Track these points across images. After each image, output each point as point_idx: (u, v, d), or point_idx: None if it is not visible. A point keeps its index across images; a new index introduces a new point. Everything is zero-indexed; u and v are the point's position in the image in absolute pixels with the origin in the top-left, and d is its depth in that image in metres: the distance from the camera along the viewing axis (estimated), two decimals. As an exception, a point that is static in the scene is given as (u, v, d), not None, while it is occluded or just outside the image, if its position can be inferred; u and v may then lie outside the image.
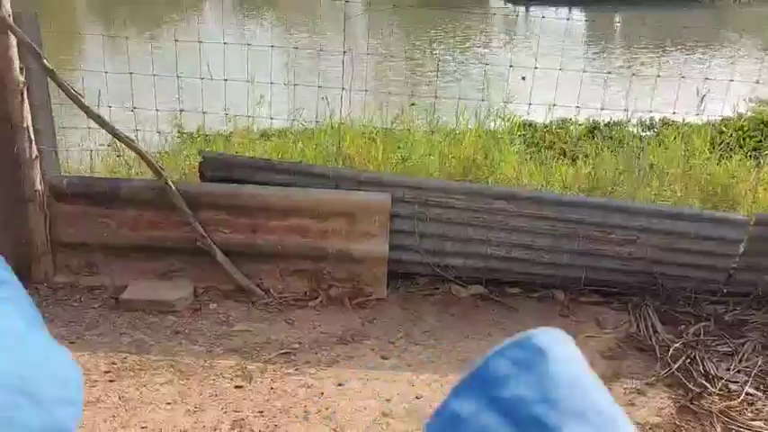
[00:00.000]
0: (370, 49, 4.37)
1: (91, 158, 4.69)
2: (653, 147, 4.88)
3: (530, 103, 3.71)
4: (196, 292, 3.85)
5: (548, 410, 0.49)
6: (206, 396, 3.03)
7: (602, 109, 3.76)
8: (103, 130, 3.64)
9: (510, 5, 24.84)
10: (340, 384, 3.22)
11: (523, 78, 4.49)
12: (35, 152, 3.53)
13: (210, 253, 3.79)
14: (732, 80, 4.61)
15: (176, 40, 4.36)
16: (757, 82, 4.55)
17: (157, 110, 4.50)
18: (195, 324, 3.59)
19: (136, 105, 4.24)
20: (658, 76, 4.50)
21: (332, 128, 4.85)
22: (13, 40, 3.32)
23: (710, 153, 4.83)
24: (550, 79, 4.21)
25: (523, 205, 3.73)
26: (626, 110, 4.29)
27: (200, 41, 4.38)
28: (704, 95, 4.81)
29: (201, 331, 3.52)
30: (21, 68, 3.38)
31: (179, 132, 4.81)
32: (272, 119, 4.77)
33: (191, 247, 3.80)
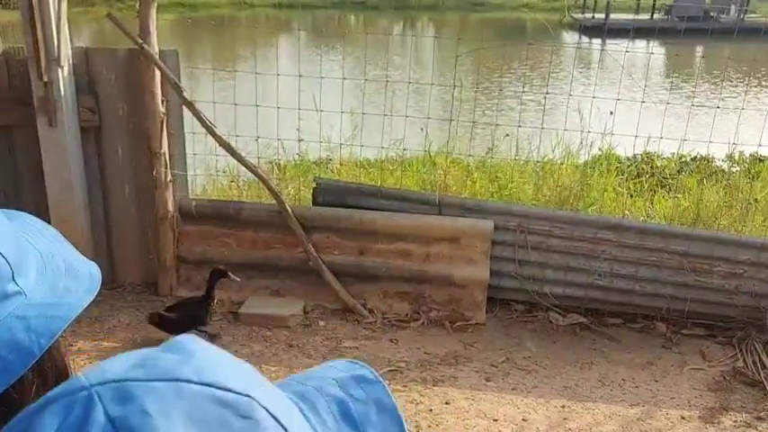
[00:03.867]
0: (446, 80, 4.54)
1: (192, 182, 4.96)
2: (753, 181, 4.84)
3: (636, 136, 3.78)
4: (305, 309, 4.07)
5: None
6: (323, 407, 3.22)
7: (711, 142, 3.78)
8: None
9: (585, 38, 24.80)
10: (447, 403, 3.34)
11: (611, 113, 4.56)
12: (169, 176, 3.87)
13: (320, 273, 4.02)
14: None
15: (278, 74, 4.59)
16: None
17: (258, 138, 4.80)
18: (307, 339, 3.81)
19: (235, 133, 4.49)
20: (742, 108, 4.40)
21: (430, 158, 5.05)
22: (158, 75, 3.69)
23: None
24: (629, 112, 4.24)
25: (628, 236, 3.79)
26: (735, 144, 4.28)
27: (300, 75, 4.64)
28: None
29: (314, 346, 3.74)
30: (162, 100, 3.75)
31: (298, 159, 5.10)
32: (361, 146, 4.94)
33: (302, 266, 4.04)
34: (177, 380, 0.40)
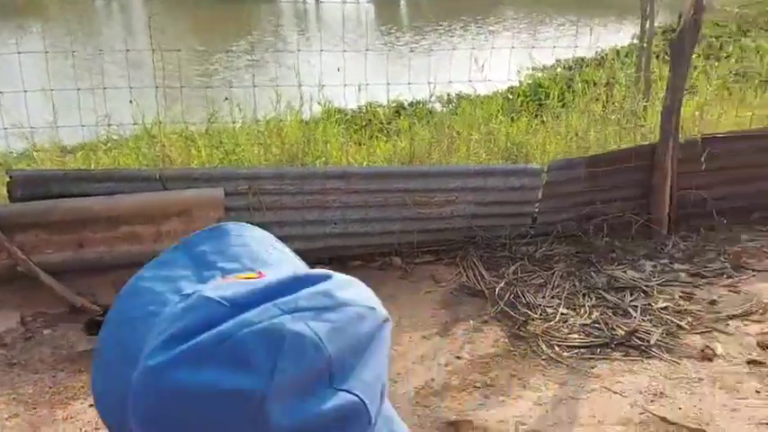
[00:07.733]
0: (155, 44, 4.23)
1: None
2: (455, 117, 5.39)
3: (345, 84, 3.93)
4: (23, 320, 3.56)
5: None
6: (59, 419, 2.87)
7: (410, 84, 4.09)
8: None
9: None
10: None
11: (339, 69, 4.70)
12: None
13: (34, 277, 3.53)
14: (513, 47, 5.24)
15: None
16: (533, 47, 5.21)
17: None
18: (30, 353, 3.34)
19: None
20: (432, 50, 4.90)
21: (146, 132, 4.67)
22: None
23: (503, 117, 5.45)
24: (350, 65, 4.42)
25: (354, 182, 3.96)
26: (431, 83, 4.67)
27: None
28: (483, 64, 5.37)
29: (41, 358, 3.29)
30: None
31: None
32: (57, 126, 4.40)
33: (10, 273, 3.51)
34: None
